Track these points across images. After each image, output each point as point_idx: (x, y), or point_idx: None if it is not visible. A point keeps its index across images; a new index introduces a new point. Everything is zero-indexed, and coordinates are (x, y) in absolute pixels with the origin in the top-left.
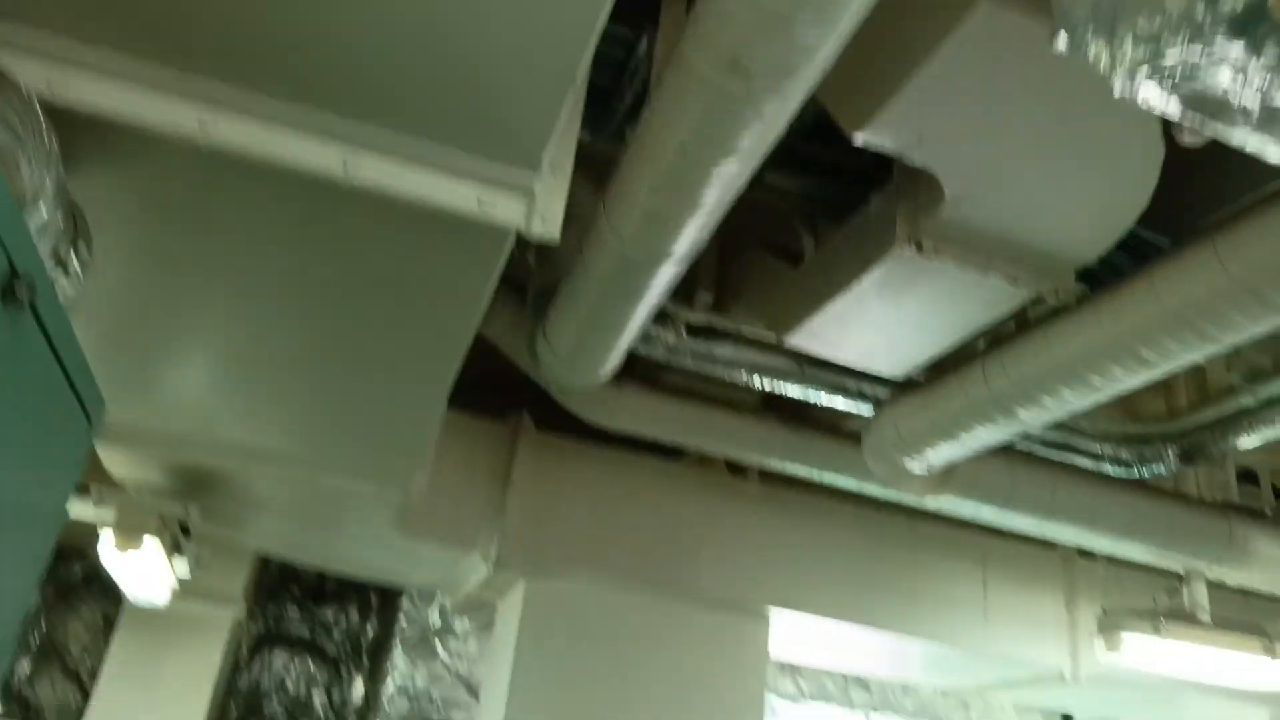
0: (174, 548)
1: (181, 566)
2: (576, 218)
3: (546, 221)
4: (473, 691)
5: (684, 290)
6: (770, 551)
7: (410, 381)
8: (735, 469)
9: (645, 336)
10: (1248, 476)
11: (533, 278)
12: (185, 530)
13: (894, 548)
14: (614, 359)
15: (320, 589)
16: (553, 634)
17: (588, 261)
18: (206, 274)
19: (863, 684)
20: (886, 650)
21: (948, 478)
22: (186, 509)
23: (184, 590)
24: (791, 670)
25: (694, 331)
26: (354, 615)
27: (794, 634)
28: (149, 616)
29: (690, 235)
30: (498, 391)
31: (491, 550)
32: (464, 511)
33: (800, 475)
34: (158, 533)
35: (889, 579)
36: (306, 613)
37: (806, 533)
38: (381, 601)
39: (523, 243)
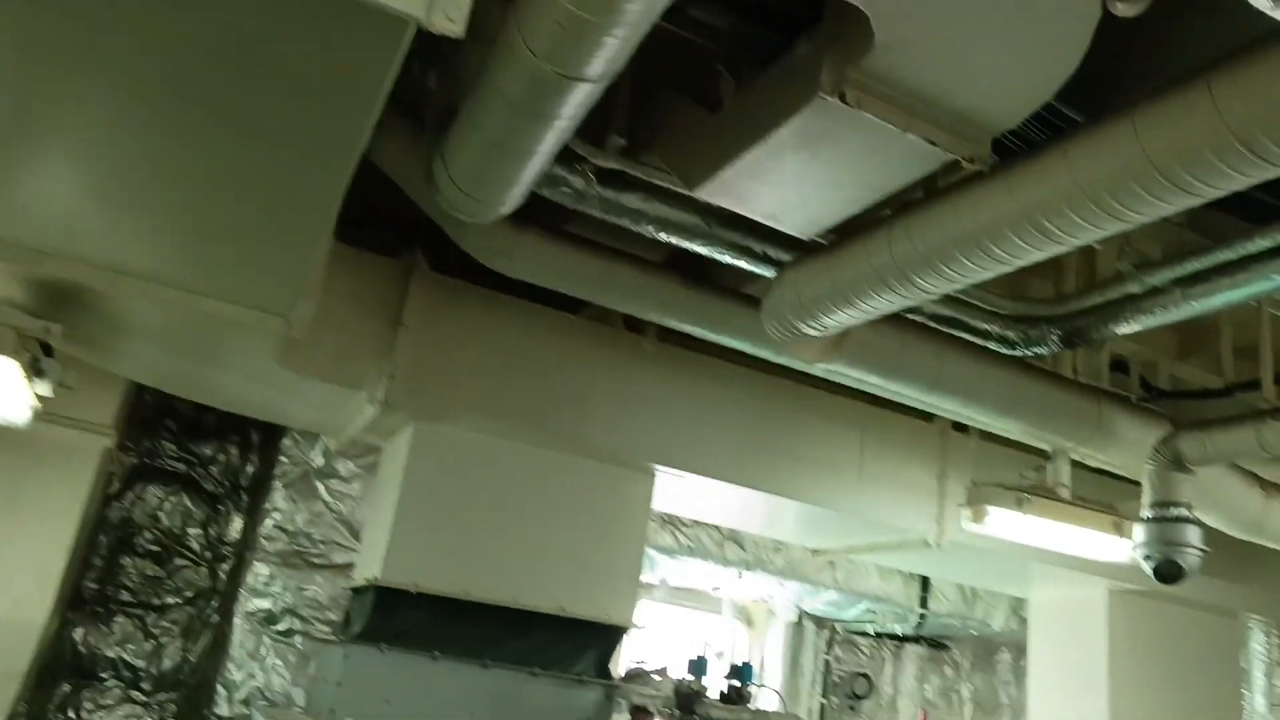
0: (34, 367)
1: (43, 387)
2: (483, 31)
3: (451, 15)
4: (354, 533)
5: (595, 133)
6: (660, 410)
7: (295, 198)
8: (633, 325)
9: (552, 179)
10: (1119, 366)
11: (432, 100)
12: (47, 350)
13: (779, 412)
14: (517, 192)
15: (198, 424)
16: (439, 479)
17: (494, 78)
18: (76, 66)
19: (738, 541)
20: (765, 510)
21: (840, 344)
22: (48, 328)
23: (49, 414)
24: (672, 524)
25: (603, 178)
26: (234, 452)
27: (677, 490)
28: (11, 438)
29: (608, 53)
30: (392, 230)
31: (379, 391)
32: (351, 349)
33: (698, 335)
34: (15, 351)
35: (773, 442)
36: (184, 448)
37: (697, 393)
38: (263, 439)
39: (423, 64)
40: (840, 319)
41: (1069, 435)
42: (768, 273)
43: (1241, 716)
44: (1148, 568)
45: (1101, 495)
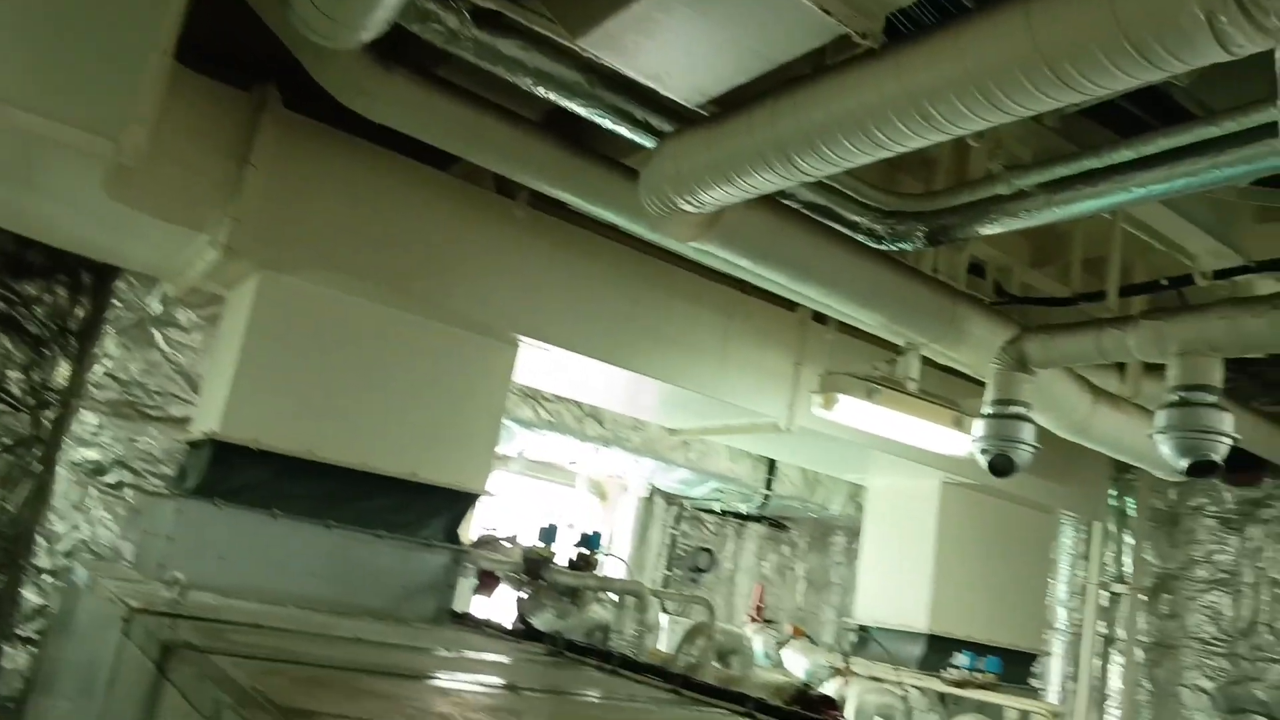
0: None
1: None
2: None
3: None
4: (193, 385)
5: None
6: (528, 280)
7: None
8: (505, 190)
9: (422, 13)
10: (975, 269)
11: None
12: None
13: (648, 291)
14: (380, 16)
15: (22, 261)
16: (286, 333)
17: None
18: None
19: (598, 418)
20: (627, 389)
21: (714, 224)
22: None
23: None
24: (533, 398)
25: (480, 18)
26: (61, 293)
27: (540, 364)
28: None
29: None
30: (248, 69)
31: (221, 234)
32: (191, 186)
33: (571, 204)
34: None
35: (640, 321)
36: (4, 285)
37: (567, 266)
38: (96, 281)
39: None
40: (717, 196)
41: (924, 331)
42: (648, 142)
43: (1044, 601)
44: (983, 461)
45: (947, 392)
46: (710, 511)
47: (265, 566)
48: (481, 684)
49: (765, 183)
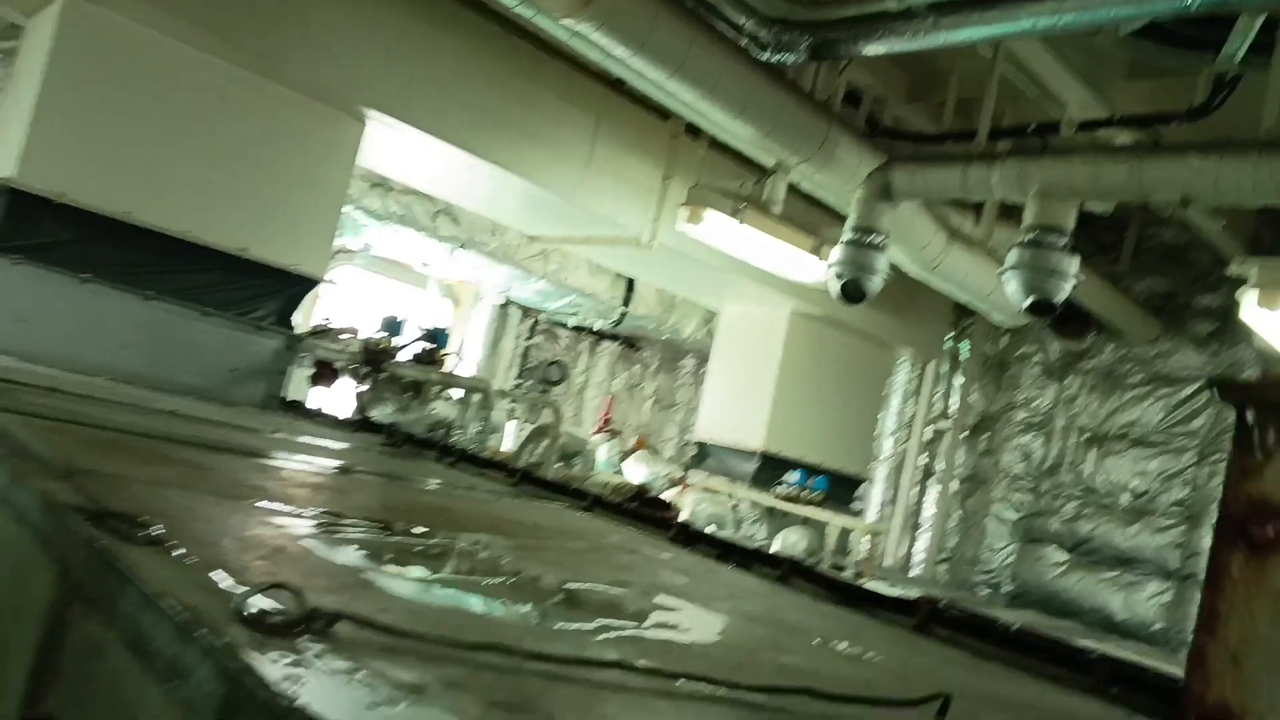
0: None
1: None
2: None
3: None
4: None
5: None
6: (381, 47)
7: None
8: None
9: None
10: (851, 99)
11: None
12: None
13: (515, 80)
14: None
15: None
16: (95, 73)
17: None
18: None
19: (452, 216)
20: (486, 186)
21: (590, 0)
22: None
23: None
24: (382, 186)
25: None
26: None
27: (391, 146)
28: None
29: None
30: None
31: None
32: None
33: None
34: None
35: (504, 111)
36: None
37: (424, 36)
38: None
39: None
40: None
41: (796, 150)
42: None
43: (874, 431)
44: (836, 286)
45: (808, 222)
46: (564, 326)
47: (73, 334)
48: (309, 464)
49: None
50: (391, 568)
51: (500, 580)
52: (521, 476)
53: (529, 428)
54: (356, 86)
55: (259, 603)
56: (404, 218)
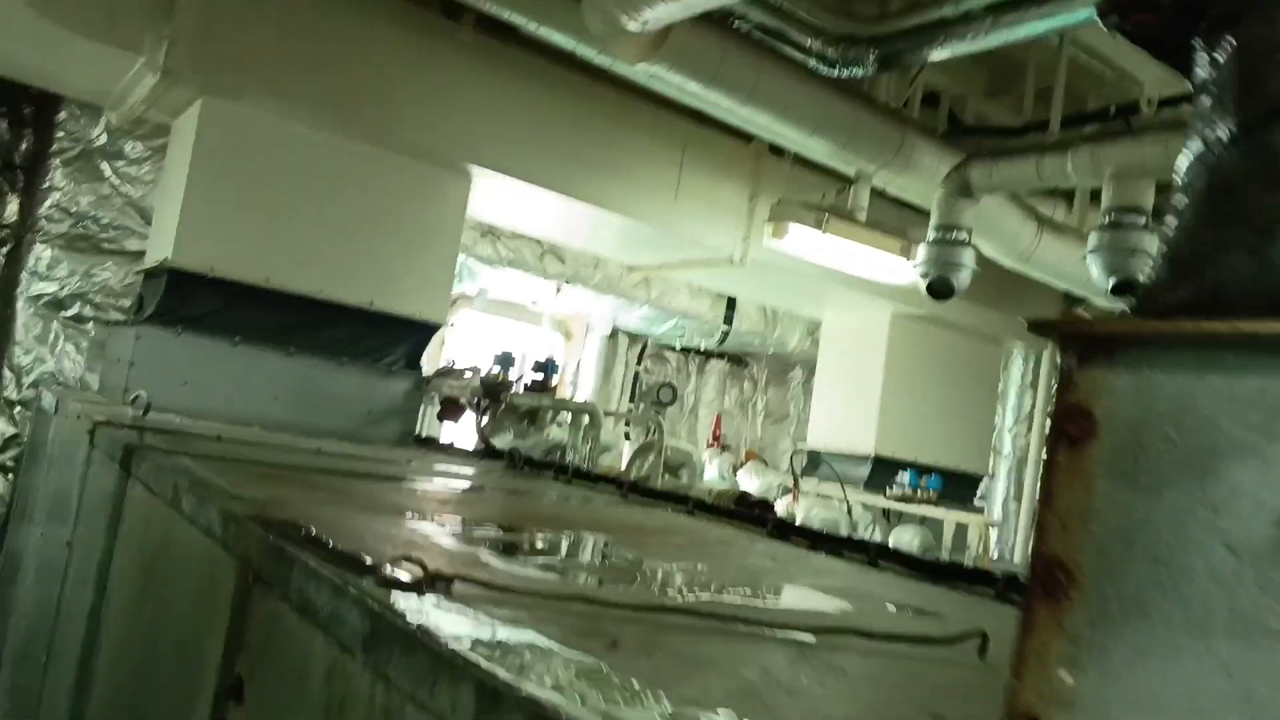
0: None
1: None
2: None
3: None
4: (146, 219)
5: None
6: (478, 107)
7: None
8: (451, 13)
9: None
10: (932, 100)
11: None
12: None
13: (602, 122)
14: None
15: None
16: (232, 160)
17: None
18: None
19: (558, 255)
20: (584, 223)
21: (661, 44)
22: None
23: None
24: (491, 234)
25: None
26: (2, 126)
27: (496, 197)
28: None
29: None
30: None
31: (158, 56)
32: (122, 5)
33: (518, 25)
34: None
35: (592, 151)
36: None
37: (518, 93)
38: (37, 112)
39: None
40: (662, 12)
41: (872, 158)
42: None
43: (992, 429)
44: (923, 284)
45: (899, 224)
46: (672, 349)
47: (229, 391)
48: (438, 485)
49: None
50: (506, 555)
51: (599, 561)
52: (630, 487)
53: (637, 445)
54: (459, 145)
55: (393, 571)
56: (514, 260)
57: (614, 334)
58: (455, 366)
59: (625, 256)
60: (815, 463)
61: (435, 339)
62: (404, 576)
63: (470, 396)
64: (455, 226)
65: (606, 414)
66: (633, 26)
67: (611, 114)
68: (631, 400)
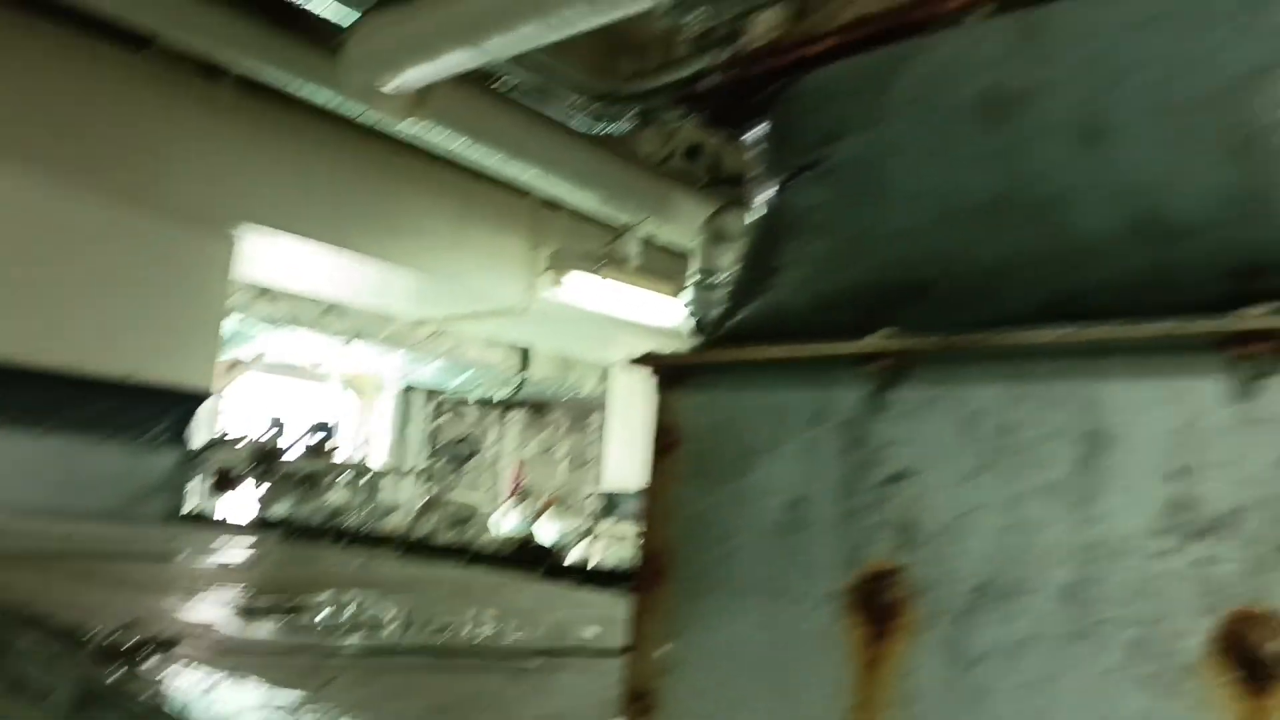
0: None
1: None
2: None
3: None
4: None
5: None
6: (244, 167)
7: None
8: (208, 73)
9: None
10: (694, 152)
11: None
12: None
13: (375, 176)
14: None
15: None
16: None
17: None
18: None
19: (340, 311)
20: (365, 277)
21: (424, 101)
22: None
23: None
24: (268, 295)
25: None
26: None
27: (271, 255)
28: None
29: None
30: None
31: None
32: None
33: (277, 85)
34: None
35: (369, 206)
36: None
37: (284, 151)
38: None
39: None
40: (416, 75)
41: (638, 209)
42: (351, 18)
43: None
44: (691, 323)
45: (675, 268)
46: (468, 402)
47: None
48: (193, 562)
49: (461, 59)
50: (245, 617)
51: (347, 617)
52: (409, 546)
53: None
54: (223, 206)
55: (109, 640)
56: (294, 319)
57: (408, 390)
58: (228, 436)
59: (412, 310)
60: (611, 504)
61: (206, 408)
62: (123, 645)
63: (244, 467)
64: (219, 289)
65: (400, 473)
66: (388, 89)
67: (388, 168)
68: (431, 457)
